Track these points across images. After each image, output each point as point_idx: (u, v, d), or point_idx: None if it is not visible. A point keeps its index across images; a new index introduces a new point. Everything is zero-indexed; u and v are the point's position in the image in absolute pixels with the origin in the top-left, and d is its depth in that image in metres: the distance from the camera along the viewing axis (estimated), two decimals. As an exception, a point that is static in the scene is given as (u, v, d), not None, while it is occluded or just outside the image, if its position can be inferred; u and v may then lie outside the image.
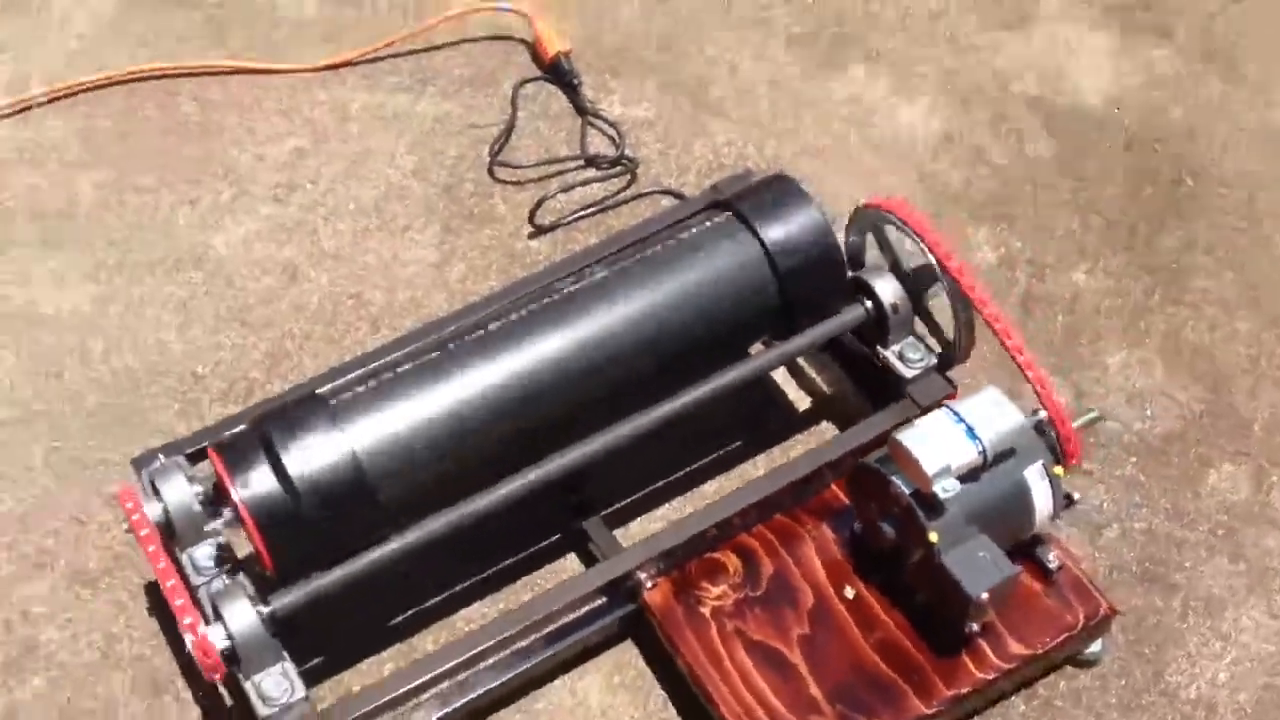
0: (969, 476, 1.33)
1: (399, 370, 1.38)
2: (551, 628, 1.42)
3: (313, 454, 1.30)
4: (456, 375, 1.37)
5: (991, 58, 2.01)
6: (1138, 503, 1.58)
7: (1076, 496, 1.41)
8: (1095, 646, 1.46)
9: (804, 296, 1.48)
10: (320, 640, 1.43)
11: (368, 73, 1.99)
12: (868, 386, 1.58)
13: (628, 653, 1.47)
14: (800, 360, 1.67)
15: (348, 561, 1.33)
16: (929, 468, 1.31)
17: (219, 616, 1.29)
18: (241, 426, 1.39)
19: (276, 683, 1.30)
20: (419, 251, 1.81)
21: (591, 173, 1.88)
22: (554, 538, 1.53)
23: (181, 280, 1.78)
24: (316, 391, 1.37)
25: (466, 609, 1.50)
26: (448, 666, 1.38)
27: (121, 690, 1.44)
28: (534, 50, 2.00)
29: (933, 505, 1.32)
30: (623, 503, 1.55)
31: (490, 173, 1.88)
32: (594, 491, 1.51)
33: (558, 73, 1.97)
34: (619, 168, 1.87)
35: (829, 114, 1.95)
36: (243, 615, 1.28)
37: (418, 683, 1.36)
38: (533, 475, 1.38)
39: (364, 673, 1.45)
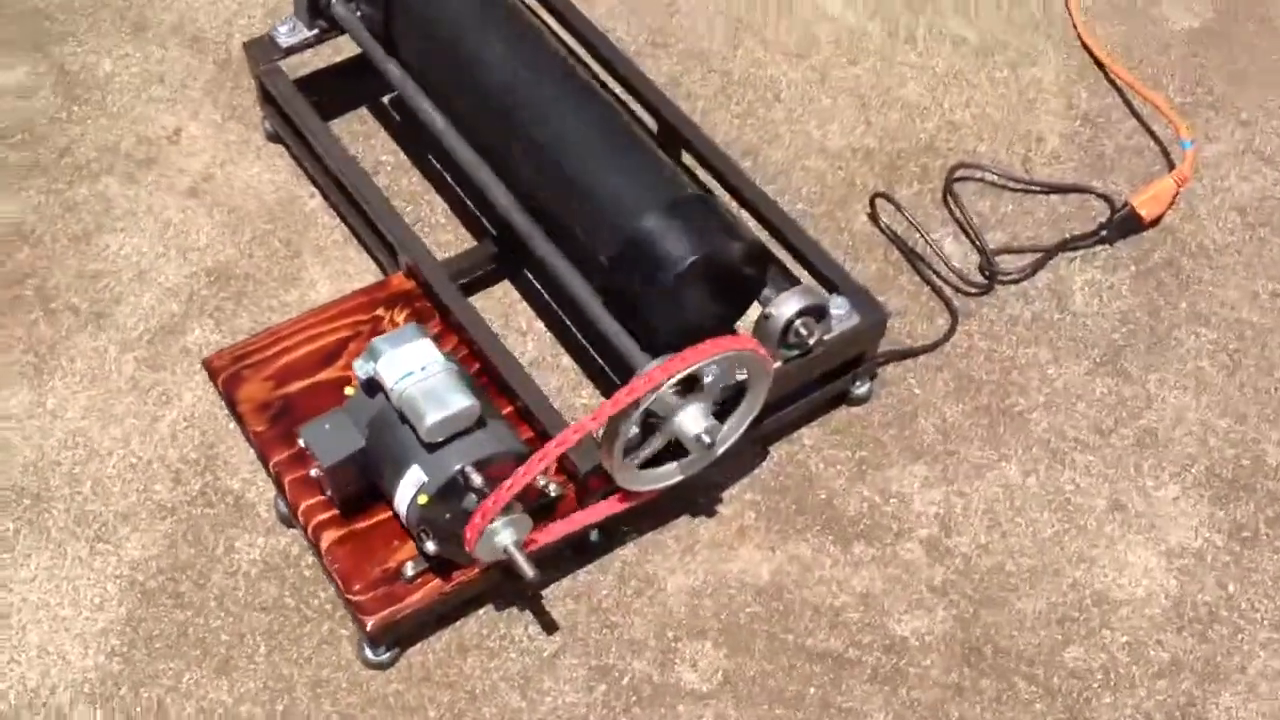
0: (373, 390, 1.39)
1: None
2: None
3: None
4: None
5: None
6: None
7: (430, 548, 1.39)
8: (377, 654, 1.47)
9: (618, 292, 1.48)
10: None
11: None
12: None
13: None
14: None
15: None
16: (372, 343, 1.40)
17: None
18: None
19: None
20: (792, 120, 1.91)
21: (961, 263, 1.79)
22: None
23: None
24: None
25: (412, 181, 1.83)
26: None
27: None
28: (1154, 184, 1.82)
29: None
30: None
31: (946, 189, 1.85)
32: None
33: (1117, 209, 1.80)
34: (981, 279, 1.76)
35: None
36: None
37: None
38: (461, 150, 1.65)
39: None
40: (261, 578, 1.53)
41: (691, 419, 1.42)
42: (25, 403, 1.65)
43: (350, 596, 1.43)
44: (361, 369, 1.39)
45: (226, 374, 1.58)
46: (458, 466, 1.36)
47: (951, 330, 1.71)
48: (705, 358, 1.38)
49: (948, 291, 1.75)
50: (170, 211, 1.82)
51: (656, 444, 1.44)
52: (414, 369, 1.37)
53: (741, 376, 1.45)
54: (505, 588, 1.50)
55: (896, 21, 2.04)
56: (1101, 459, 1.62)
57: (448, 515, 1.38)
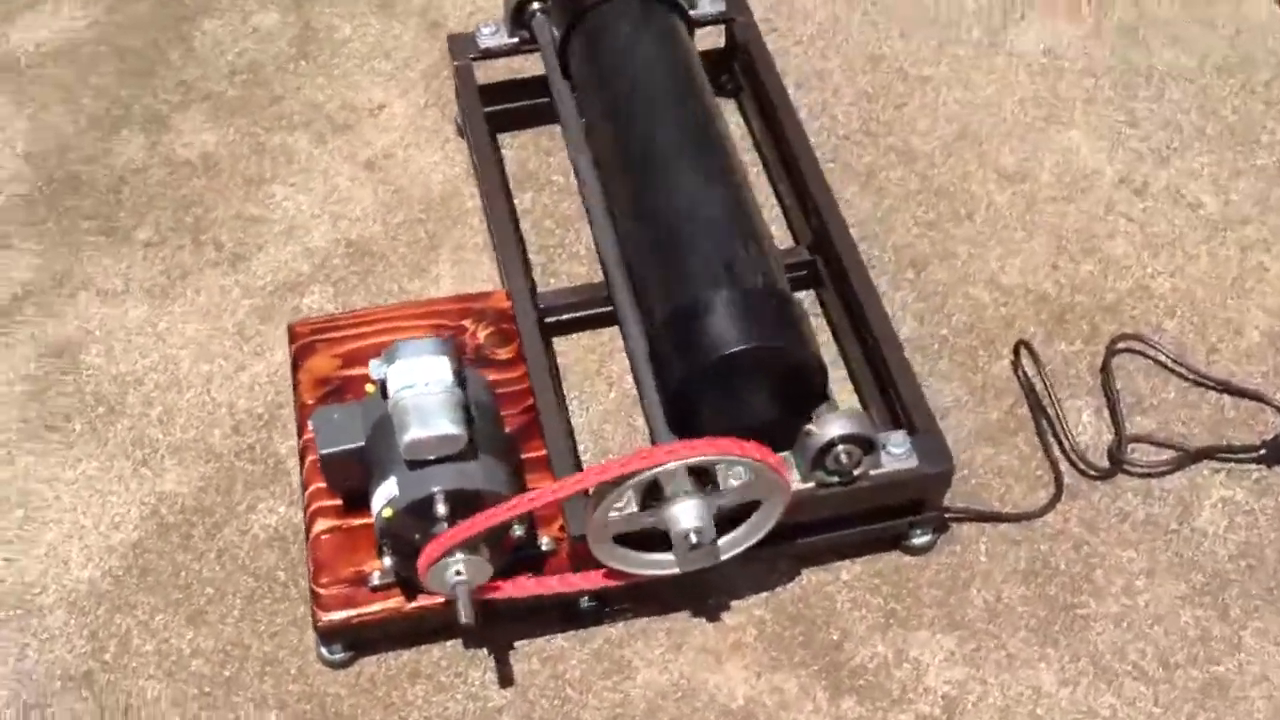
0: (385, 392, 1.38)
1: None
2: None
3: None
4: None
5: None
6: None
7: (387, 563, 1.37)
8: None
9: (665, 364, 1.43)
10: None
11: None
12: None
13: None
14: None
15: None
16: (394, 345, 1.39)
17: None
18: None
19: None
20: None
21: (1092, 439, 1.62)
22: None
23: None
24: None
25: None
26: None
27: None
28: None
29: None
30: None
31: (1107, 357, 1.68)
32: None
33: None
34: (1106, 463, 1.59)
35: None
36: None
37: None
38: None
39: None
40: (266, 545, 1.54)
41: (685, 513, 1.34)
42: (140, 319, 1.73)
43: (315, 587, 1.43)
44: (376, 370, 1.38)
45: (302, 342, 1.60)
46: (430, 490, 1.33)
47: (1049, 506, 1.55)
48: (708, 454, 1.30)
49: (1064, 465, 1.58)
50: (341, 178, 1.87)
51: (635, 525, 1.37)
52: (417, 382, 1.35)
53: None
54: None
55: (1136, 169, 1.87)
56: (1154, 694, 1.43)
57: (415, 535, 1.35)
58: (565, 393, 1.66)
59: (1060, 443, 1.60)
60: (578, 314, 1.69)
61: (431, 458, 1.34)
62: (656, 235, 1.48)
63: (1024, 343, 1.65)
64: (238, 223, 1.82)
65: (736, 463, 1.32)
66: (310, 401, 1.55)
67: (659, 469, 1.30)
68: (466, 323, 1.62)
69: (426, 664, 1.46)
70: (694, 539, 1.34)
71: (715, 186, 1.51)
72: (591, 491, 1.33)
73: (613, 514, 1.35)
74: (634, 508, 1.36)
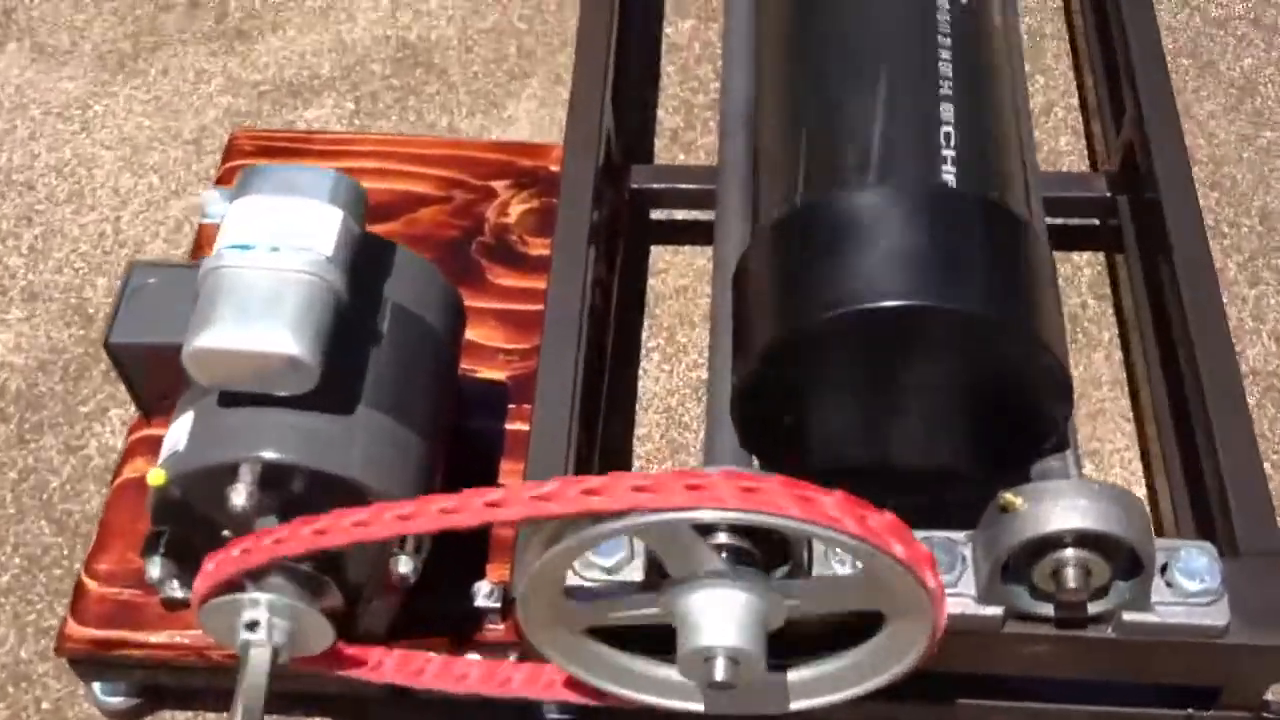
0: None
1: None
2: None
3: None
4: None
5: None
6: None
7: (153, 572, 0.73)
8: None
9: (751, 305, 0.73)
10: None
11: None
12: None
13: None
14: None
15: None
16: (250, 171, 0.74)
17: None
18: None
19: None
20: None
21: None
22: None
23: None
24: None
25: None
26: None
27: None
28: None
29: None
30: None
31: None
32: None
33: None
34: None
35: None
36: None
37: None
38: None
39: None
40: (97, 478, 0.95)
41: (713, 613, 0.65)
42: (73, 95, 1.19)
43: (83, 574, 0.81)
44: (213, 205, 0.75)
45: (235, 162, 0.99)
46: (233, 455, 0.68)
47: None
48: (773, 515, 0.60)
49: None
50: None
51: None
52: (263, 243, 0.70)
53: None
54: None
55: None
56: None
57: (216, 529, 0.71)
58: (643, 338, 0.99)
59: None
60: (691, 212, 1.00)
61: (280, 393, 0.69)
62: (810, 89, 0.78)
63: None
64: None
65: (836, 541, 0.62)
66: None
67: (672, 516, 0.61)
68: (499, 185, 0.97)
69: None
70: (721, 671, 0.65)
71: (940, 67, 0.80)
72: (531, 531, 0.66)
73: (579, 581, 0.68)
74: (638, 574, 0.68)
